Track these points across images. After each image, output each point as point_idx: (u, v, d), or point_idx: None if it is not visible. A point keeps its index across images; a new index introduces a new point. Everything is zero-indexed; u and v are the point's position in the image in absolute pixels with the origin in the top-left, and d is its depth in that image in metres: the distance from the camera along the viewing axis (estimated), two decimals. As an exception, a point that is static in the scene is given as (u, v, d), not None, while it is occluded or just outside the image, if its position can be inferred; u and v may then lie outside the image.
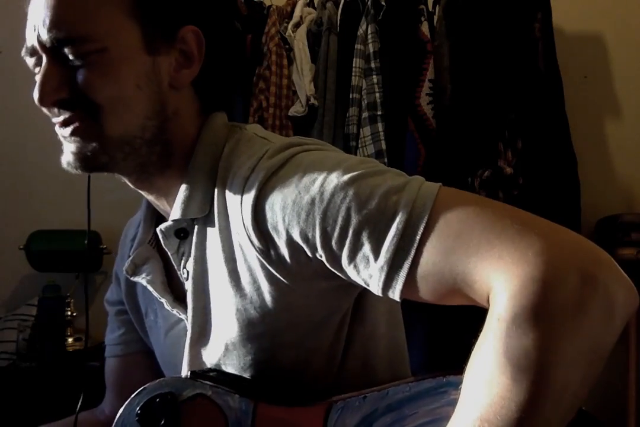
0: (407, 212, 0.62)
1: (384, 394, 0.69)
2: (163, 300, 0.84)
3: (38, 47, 0.73)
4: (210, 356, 0.79)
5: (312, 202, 0.66)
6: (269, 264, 0.71)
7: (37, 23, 0.72)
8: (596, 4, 2.34)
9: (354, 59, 1.98)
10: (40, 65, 0.74)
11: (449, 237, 0.60)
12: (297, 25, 2.09)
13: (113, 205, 2.29)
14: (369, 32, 1.98)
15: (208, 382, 0.72)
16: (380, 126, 1.95)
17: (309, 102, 2.00)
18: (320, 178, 0.67)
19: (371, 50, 1.98)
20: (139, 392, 0.71)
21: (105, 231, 2.17)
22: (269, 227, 0.69)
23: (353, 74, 1.98)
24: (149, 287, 0.85)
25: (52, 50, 0.72)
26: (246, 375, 0.77)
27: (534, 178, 1.96)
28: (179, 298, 0.84)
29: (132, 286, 0.93)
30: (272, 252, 0.70)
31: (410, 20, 2.00)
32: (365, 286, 0.67)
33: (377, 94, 1.96)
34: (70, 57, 0.71)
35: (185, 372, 0.79)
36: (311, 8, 2.14)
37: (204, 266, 0.78)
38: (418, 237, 0.61)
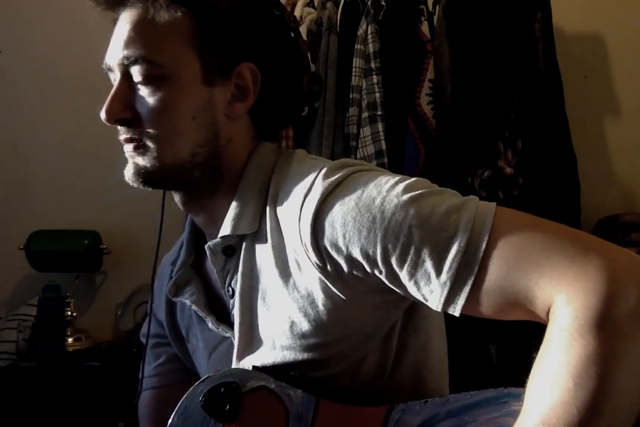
0: (469, 230, 0.64)
1: (445, 400, 0.71)
2: (208, 319, 0.85)
3: (114, 65, 0.79)
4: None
5: (374, 220, 0.68)
6: (326, 279, 0.73)
7: (116, 42, 0.79)
8: (596, 4, 2.33)
9: (354, 59, 1.98)
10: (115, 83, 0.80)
11: (510, 254, 0.63)
12: (297, 25, 2.09)
13: (113, 206, 2.29)
14: (369, 32, 1.98)
15: (272, 377, 0.75)
16: (380, 126, 1.94)
17: (309, 102, 2.00)
18: (380, 197, 0.69)
19: (371, 50, 1.98)
20: (203, 380, 0.75)
21: (105, 231, 2.17)
22: (328, 243, 0.71)
23: (353, 74, 1.98)
24: (194, 307, 0.87)
25: (124, 69, 0.78)
26: None
27: (534, 178, 1.96)
28: (220, 318, 0.86)
29: (172, 314, 0.95)
30: (330, 268, 0.72)
31: (410, 20, 1.99)
32: (424, 302, 0.69)
33: (377, 94, 1.96)
34: (136, 78, 0.77)
35: None
36: (311, 8, 2.13)
37: (251, 282, 0.80)
38: (481, 254, 0.64)
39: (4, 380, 1.92)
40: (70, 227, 2.17)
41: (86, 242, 2.13)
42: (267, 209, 0.79)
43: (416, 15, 1.99)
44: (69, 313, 2.12)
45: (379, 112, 1.95)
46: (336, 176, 0.73)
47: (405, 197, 0.68)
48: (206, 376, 0.75)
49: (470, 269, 0.64)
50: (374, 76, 1.97)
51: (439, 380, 0.85)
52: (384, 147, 1.92)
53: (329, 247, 0.71)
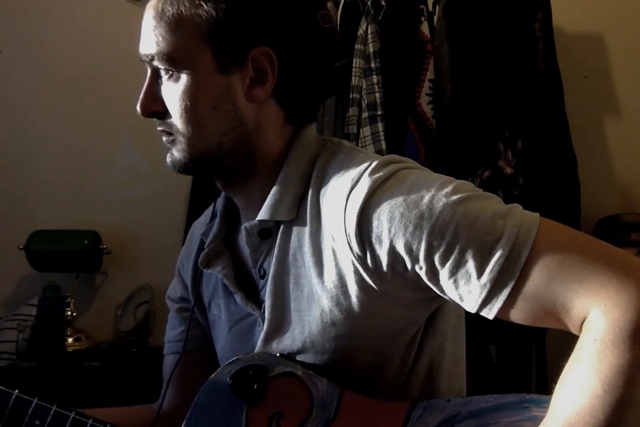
0: (514, 236, 0.66)
1: (468, 400, 0.73)
2: (238, 294, 0.86)
3: (142, 60, 0.82)
4: (285, 353, 0.81)
5: (421, 216, 0.70)
6: (363, 270, 0.74)
7: (141, 39, 0.81)
8: (596, 4, 2.34)
9: (354, 59, 1.98)
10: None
11: (552, 262, 0.65)
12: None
13: (113, 206, 2.29)
14: (369, 32, 1.98)
15: (299, 364, 0.77)
16: (380, 126, 1.95)
17: (309, 102, 2.00)
18: (428, 195, 0.71)
19: (371, 50, 1.98)
20: (232, 361, 0.77)
21: (105, 231, 2.17)
22: (372, 235, 0.72)
23: (353, 74, 1.98)
24: (225, 281, 0.88)
25: (151, 65, 0.80)
26: None
27: (534, 178, 1.97)
28: (248, 295, 0.87)
29: (197, 281, 0.97)
30: (369, 260, 0.74)
31: (410, 20, 2.00)
32: (459, 302, 0.71)
33: (377, 94, 1.96)
34: (160, 73, 0.80)
35: None
36: (311, 8, 2.14)
37: (284, 266, 0.81)
38: (523, 260, 0.65)
39: (4, 380, 1.92)
40: (70, 227, 2.17)
41: (86, 242, 2.13)
42: (309, 195, 0.80)
43: (416, 15, 1.99)
44: (69, 313, 2.12)
45: (379, 112, 1.95)
46: (385, 171, 0.74)
47: (454, 197, 0.70)
48: (235, 357, 0.77)
49: (512, 273, 0.65)
50: (374, 76, 1.97)
51: (450, 381, 0.86)
52: (384, 147, 1.92)
53: (373, 240, 0.72)
